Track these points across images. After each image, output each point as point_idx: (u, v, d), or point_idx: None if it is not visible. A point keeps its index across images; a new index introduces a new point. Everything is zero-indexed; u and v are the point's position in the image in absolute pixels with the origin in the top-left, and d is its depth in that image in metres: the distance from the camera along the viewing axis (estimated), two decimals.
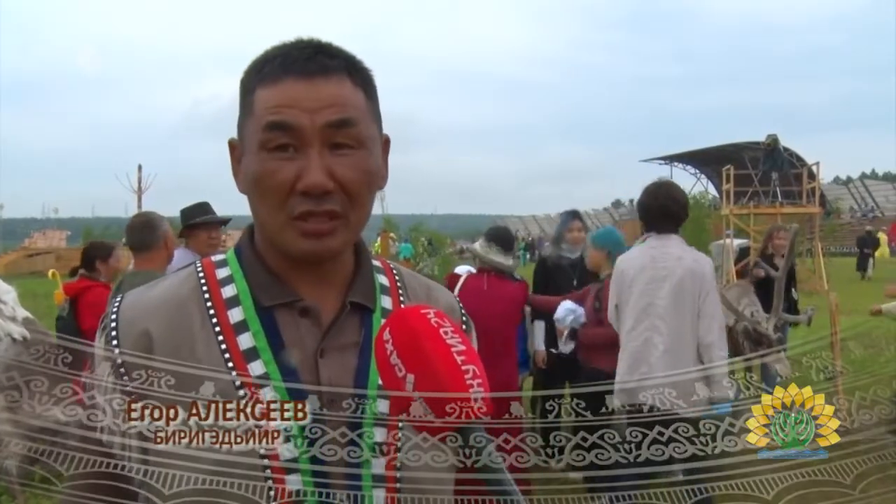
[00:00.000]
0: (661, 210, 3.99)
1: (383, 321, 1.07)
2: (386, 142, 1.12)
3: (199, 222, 4.69)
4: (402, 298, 1.14)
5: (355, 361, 1.05)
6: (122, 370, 1.00)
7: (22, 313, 5.86)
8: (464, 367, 0.83)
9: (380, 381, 1.03)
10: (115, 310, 1.07)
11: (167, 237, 4.19)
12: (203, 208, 4.83)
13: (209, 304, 1.05)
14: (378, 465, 1.00)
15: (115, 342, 1.03)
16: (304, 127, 0.99)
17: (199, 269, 1.11)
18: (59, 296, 5.74)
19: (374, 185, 1.06)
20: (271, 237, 1.05)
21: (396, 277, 1.17)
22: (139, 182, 35.27)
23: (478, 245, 4.92)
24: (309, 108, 0.99)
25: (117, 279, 4.78)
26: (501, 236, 5.07)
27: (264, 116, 1.00)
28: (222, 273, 1.09)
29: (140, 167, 36.08)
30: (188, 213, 4.81)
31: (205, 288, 1.07)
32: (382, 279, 1.15)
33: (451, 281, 4.97)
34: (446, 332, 0.85)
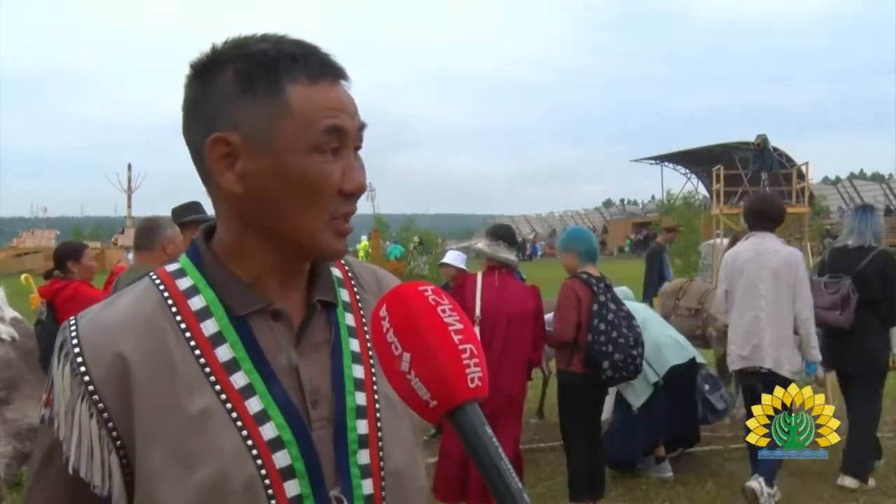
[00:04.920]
0: (760, 213, 5.10)
1: (347, 315, 1.09)
2: None
3: (186, 221, 4.66)
4: (356, 289, 1.15)
5: (329, 358, 1.05)
6: (101, 405, 0.98)
7: (10, 313, 5.81)
8: (461, 346, 0.81)
9: (356, 375, 1.05)
10: (73, 334, 1.01)
11: (167, 240, 4.20)
12: (193, 207, 4.80)
13: (178, 318, 1.02)
14: (364, 457, 1.01)
15: (83, 368, 0.98)
16: (352, 131, 1.02)
17: (158, 281, 1.06)
18: (34, 300, 5.71)
19: None
20: (302, 238, 1.01)
21: (347, 269, 1.17)
22: (129, 181, 35.09)
23: (483, 245, 4.94)
24: (351, 112, 1.02)
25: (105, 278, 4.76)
26: (506, 233, 5.11)
27: (320, 119, 0.99)
28: (184, 284, 1.05)
29: (130, 166, 35.90)
30: (178, 212, 4.78)
31: (170, 301, 1.03)
32: (336, 272, 1.15)
33: (467, 282, 4.84)
34: (444, 310, 0.83)
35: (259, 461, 0.96)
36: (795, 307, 4.83)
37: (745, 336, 4.91)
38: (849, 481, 5.40)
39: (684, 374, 5.78)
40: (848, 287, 5.31)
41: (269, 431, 0.97)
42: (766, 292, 4.83)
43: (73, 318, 1.05)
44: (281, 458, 0.96)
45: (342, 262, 1.18)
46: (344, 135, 1.01)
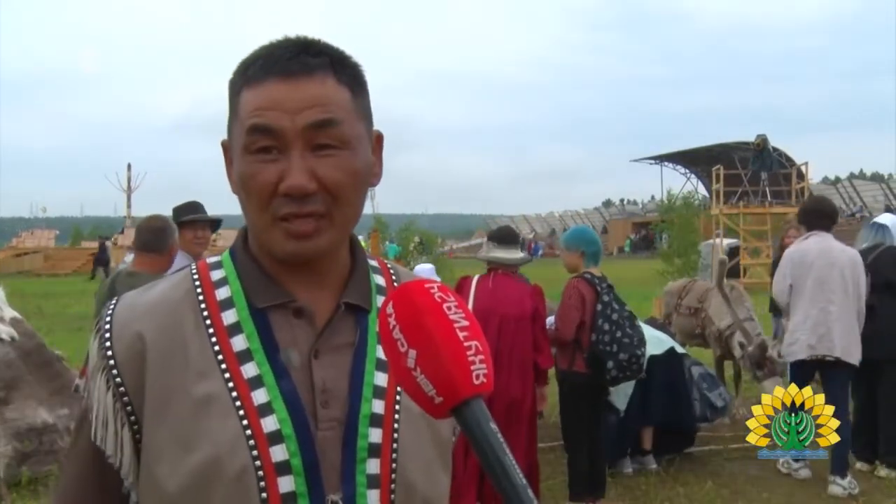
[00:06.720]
0: (819, 213, 5.53)
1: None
2: (378, 138, 1.11)
3: (185, 221, 4.69)
4: None
5: (350, 362, 1.04)
6: (119, 380, 1.02)
7: (10, 313, 5.84)
8: (466, 343, 0.80)
9: (375, 382, 1.03)
10: (110, 312, 1.07)
11: (174, 245, 4.33)
12: (193, 207, 4.83)
13: (203, 305, 1.05)
14: (373, 466, 1.00)
15: (108, 343, 1.03)
16: (285, 129, 0.99)
17: (195, 271, 1.10)
18: None
19: (362, 184, 1.05)
20: (258, 238, 1.06)
21: (393, 278, 1.16)
22: (128, 181, 35.09)
23: (483, 251, 4.97)
24: (290, 109, 0.99)
25: (111, 276, 4.79)
26: (499, 233, 5.08)
27: (247, 119, 1.00)
28: (217, 275, 1.08)
29: (129, 166, 35.89)
30: (178, 211, 4.81)
31: (199, 290, 1.07)
32: (379, 279, 1.14)
33: (464, 284, 4.86)
34: (449, 308, 0.83)
35: (255, 452, 0.96)
36: (860, 303, 5.28)
37: (813, 326, 5.27)
38: (885, 472, 5.52)
39: (663, 365, 5.78)
40: None
41: (270, 424, 0.97)
42: (836, 287, 5.25)
43: (117, 297, 1.10)
44: (278, 452, 0.96)
45: (390, 270, 1.17)
46: (276, 134, 0.99)
